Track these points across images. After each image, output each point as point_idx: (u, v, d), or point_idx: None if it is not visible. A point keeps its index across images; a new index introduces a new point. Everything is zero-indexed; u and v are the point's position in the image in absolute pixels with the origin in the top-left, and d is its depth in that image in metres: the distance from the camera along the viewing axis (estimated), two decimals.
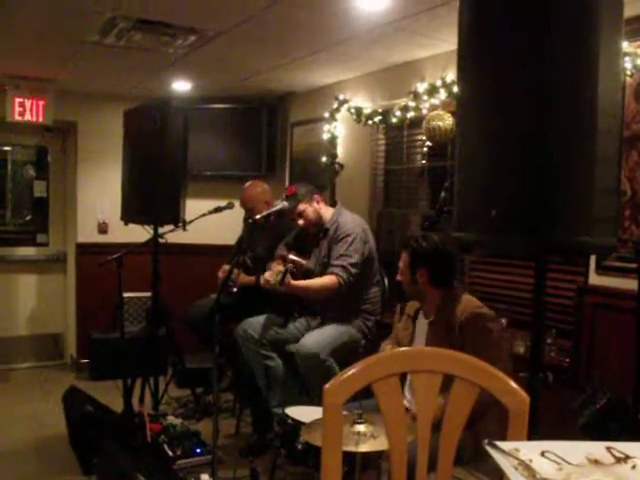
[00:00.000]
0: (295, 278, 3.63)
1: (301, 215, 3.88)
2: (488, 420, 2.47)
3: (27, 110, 5.26)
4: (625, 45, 2.68)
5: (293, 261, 3.61)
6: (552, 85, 1.82)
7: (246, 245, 4.15)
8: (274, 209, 3.84)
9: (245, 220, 4.90)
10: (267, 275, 3.57)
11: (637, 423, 2.61)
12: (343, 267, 3.63)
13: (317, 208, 3.90)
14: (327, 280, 3.64)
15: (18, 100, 5.20)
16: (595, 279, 3.29)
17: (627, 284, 2.99)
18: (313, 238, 3.97)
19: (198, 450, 3.77)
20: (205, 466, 3.58)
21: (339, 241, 3.72)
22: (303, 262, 3.80)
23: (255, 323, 3.92)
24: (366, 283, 3.83)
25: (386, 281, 3.96)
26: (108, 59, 4.47)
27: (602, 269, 3.25)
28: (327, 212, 3.93)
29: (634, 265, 2.79)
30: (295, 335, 3.88)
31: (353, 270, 3.65)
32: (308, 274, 3.83)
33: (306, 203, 3.88)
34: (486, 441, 1.07)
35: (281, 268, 3.48)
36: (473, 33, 2.05)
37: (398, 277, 3.00)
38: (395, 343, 3.07)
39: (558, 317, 3.48)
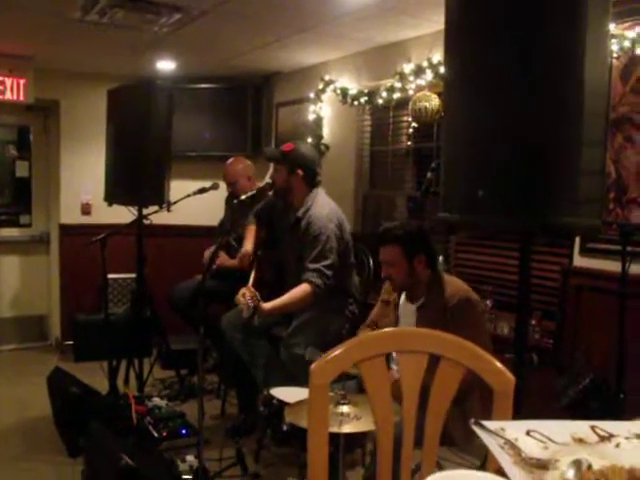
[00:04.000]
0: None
1: (276, 171, 3.75)
2: (474, 400, 2.49)
3: (7, 89, 5.18)
4: (612, 27, 2.67)
5: (258, 298, 3.36)
6: (540, 66, 1.81)
7: (229, 226, 4.12)
8: (258, 188, 3.79)
9: (227, 201, 4.88)
10: (241, 299, 3.37)
11: (619, 402, 2.64)
12: (317, 271, 3.47)
13: (292, 184, 3.67)
14: (302, 291, 3.47)
15: None
16: (579, 261, 3.32)
17: (611, 266, 3.01)
18: (283, 215, 3.86)
19: (184, 431, 3.78)
20: (191, 447, 3.59)
21: (312, 241, 3.53)
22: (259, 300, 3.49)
23: (237, 318, 3.78)
24: (346, 272, 3.73)
25: (371, 262, 3.96)
26: (91, 37, 4.40)
27: (586, 251, 3.27)
28: (300, 193, 3.69)
29: (618, 247, 2.81)
30: (278, 317, 3.86)
31: (328, 272, 3.49)
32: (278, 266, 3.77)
33: (286, 168, 3.66)
34: (472, 420, 1.07)
35: (250, 304, 3.30)
36: (460, 13, 2.04)
37: (389, 273, 2.83)
38: (374, 328, 2.97)
39: (542, 299, 3.51)
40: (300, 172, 3.65)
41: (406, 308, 2.89)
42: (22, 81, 5.21)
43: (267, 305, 3.39)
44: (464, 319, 2.59)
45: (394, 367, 2.53)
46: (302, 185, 3.68)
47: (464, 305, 2.66)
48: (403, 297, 2.92)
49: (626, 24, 2.99)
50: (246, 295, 3.34)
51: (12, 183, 6.23)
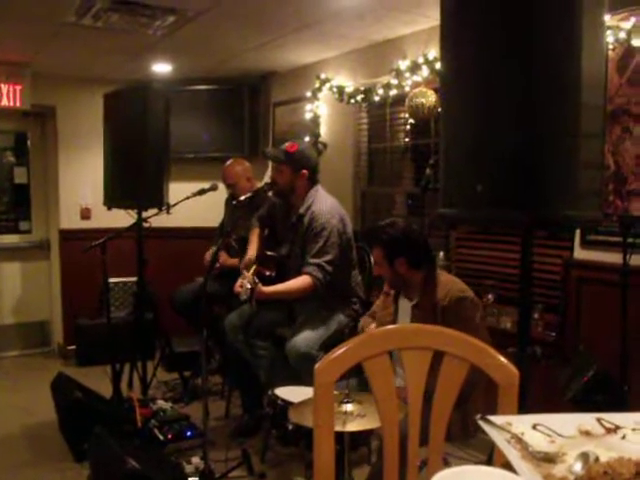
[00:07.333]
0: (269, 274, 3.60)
1: (279, 172, 3.69)
2: (475, 398, 2.49)
3: (4, 95, 5.17)
4: (607, 18, 2.67)
5: (255, 281, 3.33)
6: (536, 60, 1.81)
7: (229, 228, 4.09)
8: (257, 188, 3.78)
9: (226, 203, 4.87)
10: (238, 289, 3.37)
11: (623, 394, 2.64)
12: (318, 266, 3.49)
13: (296, 183, 3.65)
14: (302, 282, 3.49)
15: None
16: (580, 253, 3.32)
17: (611, 258, 3.01)
18: (284, 214, 3.84)
19: (189, 433, 3.78)
20: (196, 449, 3.60)
21: (314, 236, 3.54)
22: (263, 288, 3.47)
23: (239, 319, 3.82)
24: (347, 269, 3.73)
25: (371, 260, 3.94)
26: (86, 41, 4.40)
27: (587, 243, 3.27)
28: (302, 192, 3.68)
29: (618, 239, 2.81)
30: (282, 317, 3.86)
31: (329, 268, 3.51)
32: (281, 264, 3.76)
33: (291, 168, 3.63)
34: (479, 416, 1.07)
35: (248, 285, 3.28)
36: (456, 8, 2.04)
37: (376, 272, 2.97)
38: (374, 320, 3.07)
39: (544, 292, 3.51)
40: (305, 172, 3.65)
41: (403, 304, 2.92)
42: (18, 87, 5.20)
43: (266, 288, 3.39)
44: (456, 319, 2.58)
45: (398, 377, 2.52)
46: (306, 184, 3.68)
47: (455, 305, 2.66)
48: (403, 294, 2.94)
49: (621, 15, 2.99)
50: (244, 279, 3.34)
51: (11, 190, 6.21)
